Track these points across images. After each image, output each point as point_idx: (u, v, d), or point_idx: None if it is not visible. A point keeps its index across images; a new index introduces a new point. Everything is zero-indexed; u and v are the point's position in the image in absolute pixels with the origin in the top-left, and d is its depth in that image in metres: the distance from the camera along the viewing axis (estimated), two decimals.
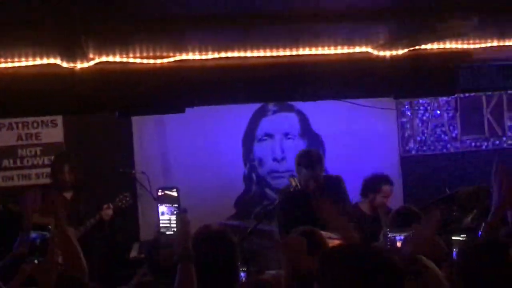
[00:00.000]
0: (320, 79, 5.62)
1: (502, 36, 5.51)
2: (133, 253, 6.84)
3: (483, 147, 8.22)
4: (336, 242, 4.89)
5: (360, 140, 7.86)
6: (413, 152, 8.12)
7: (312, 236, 4.41)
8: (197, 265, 3.33)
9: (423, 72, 5.76)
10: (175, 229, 3.13)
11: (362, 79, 5.67)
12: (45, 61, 4.80)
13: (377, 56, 5.51)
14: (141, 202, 7.27)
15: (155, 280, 4.04)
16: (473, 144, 8.21)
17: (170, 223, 3.16)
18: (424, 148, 8.14)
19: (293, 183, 6.25)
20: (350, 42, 5.31)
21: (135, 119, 7.29)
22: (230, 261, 3.40)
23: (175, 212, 3.16)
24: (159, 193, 3.22)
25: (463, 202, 6.83)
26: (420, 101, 8.04)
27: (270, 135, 7.82)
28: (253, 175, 7.79)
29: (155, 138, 7.50)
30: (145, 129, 7.45)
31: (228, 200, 7.65)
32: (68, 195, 6.49)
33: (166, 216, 3.16)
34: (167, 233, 3.16)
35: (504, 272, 2.28)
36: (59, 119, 7.26)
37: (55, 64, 4.83)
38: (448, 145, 8.17)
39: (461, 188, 6.96)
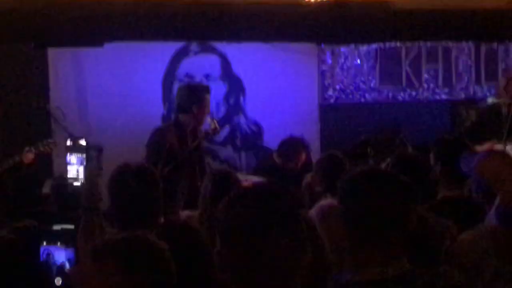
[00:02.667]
0: (245, 20, 5.58)
1: None
2: (46, 189, 6.71)
3: (400, 98, 8.36)
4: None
5: (281, 86, 7.87)
6: (332, 100, 8.19)
7: (228, 177, 4.43)
8: (116, 204, 3.27)
9: (346, 20, 5.80)
10: (82, 180, 3.05)
11: (287, 23, 5.67)
12: None
13: (303, 1, 5.49)
14: (55, 138, 7.08)
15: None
16: (390, 94, 8.34)
17: (78, 174, 3.07)
18: (343, 97, 8.22)
19: (212, 125, 6.22)
20: None
21: (51, 53, 7.02)
22: (151, 198, 3.35)
23: (83, 163, 3.07)
24: (68, 143, 3.12)
25: (377, 150, 6.98)
26: (341, 49, 8.07)
27: (190, 76, 7.71)
28: (172, 116, 7.69)
29: (71, 73, 7.27)
30: (61, 64, 7.21)
31: (145, 141, 7.53)
32: None
33: (75, 167, 3.07)
34: (75, 184, 3.07)
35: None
36: None
37: None
38: (366, 95, 8.28)
39: (377, 136, 7.12)
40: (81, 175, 3.06)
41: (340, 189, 2.38)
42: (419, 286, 2.21)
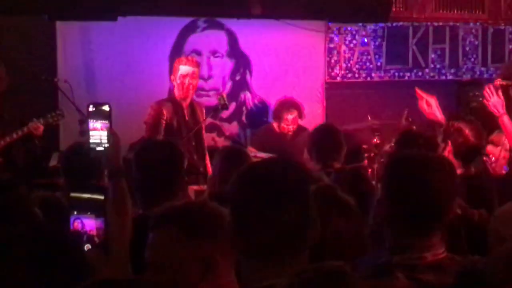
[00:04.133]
0: None
1: None
2: (53, 162, 6.73)
3: (406, 77, 8.38)
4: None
5: (287, 63, 7.89)
6: (338, 78, 8.21)
7: (238, 155, 4.45)
8: (142, 176, 3.32)
9: None
10: (106, 145, 3.07)
11: (296, 0, 5.66)
12: None
13: None
14: (62, 111, 7.09)
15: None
16: (396, 74, 8.36)
17: (101, 139, 3.08)
18: (349, 75, 8.23)
19: (221, 101, 6.25)
20: None
21: (60, 25, 7.01)
22: (175, 169, 3.41)
23: (106, 128, 3.08)
24: (91, 109, 3.12)
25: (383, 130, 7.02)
26: (349, 28, 8.07)
27: (197, 52, 7.71)
28: None
29: (79, 46, 7.25)
30: (70, 37, 7.20)
31: None
32: None
33: (97, 132, 3.08)
34: (98, 149, 3.09)
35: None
36: None
37: None
38: (373, 74, 8.29)
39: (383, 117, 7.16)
40: (104, 140, 3.06)
41: (386, 174, 2.41)
42: (455, 273, 2.25)
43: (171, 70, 7.56)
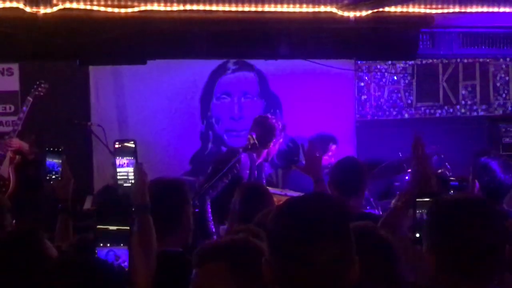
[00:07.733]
0: (283, 38, 5.65)
1: (463, 2, 5.61)
2: (87, 205, 6.81)
3: (437, 114, 8.36)
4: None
5: (317, 102, 7.91)
6: (369, 116, 8.21)
7: (258, 192, 4.45)
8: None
9: (385, 36, 5.84)
10: (132, 181, 3.10)
11: (326, 40, 5.72)
12: (7, 4, 4.70)
13: (341, 17, 5.54)
14: (96, 155, 7.21)
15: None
16: (427, 111, 8.34)
17: (127, 175, 3.13)
18: (380, 113, 8.24)
19: (251, 141, 6.28)
20: (315, 1, 5.34)
21: (92, 70, 7.17)
22: (176, 207, 3.43)
23: (132, 164, 3.13)
24: (116, 145, 3.17)
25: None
26: (378, 66, 8.10)
27: (228, 94, 7.80)
28: (210, 133, 7.79)
29: (112, 90, 7.40)
30: (103, 81, 7.35)
31: (184, 157, 7.64)
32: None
33: (124, 169, 3.13)
34: (125, 185, 3.13)
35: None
36: (15, 67, 7.08)
37: (17, 8, 4.73)
38: (403, 111, 8.29)
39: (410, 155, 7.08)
40: (131, 176, 3.10)
41: (432, 217, 2.39)
42: None
43: (203, 112, 7.70)
